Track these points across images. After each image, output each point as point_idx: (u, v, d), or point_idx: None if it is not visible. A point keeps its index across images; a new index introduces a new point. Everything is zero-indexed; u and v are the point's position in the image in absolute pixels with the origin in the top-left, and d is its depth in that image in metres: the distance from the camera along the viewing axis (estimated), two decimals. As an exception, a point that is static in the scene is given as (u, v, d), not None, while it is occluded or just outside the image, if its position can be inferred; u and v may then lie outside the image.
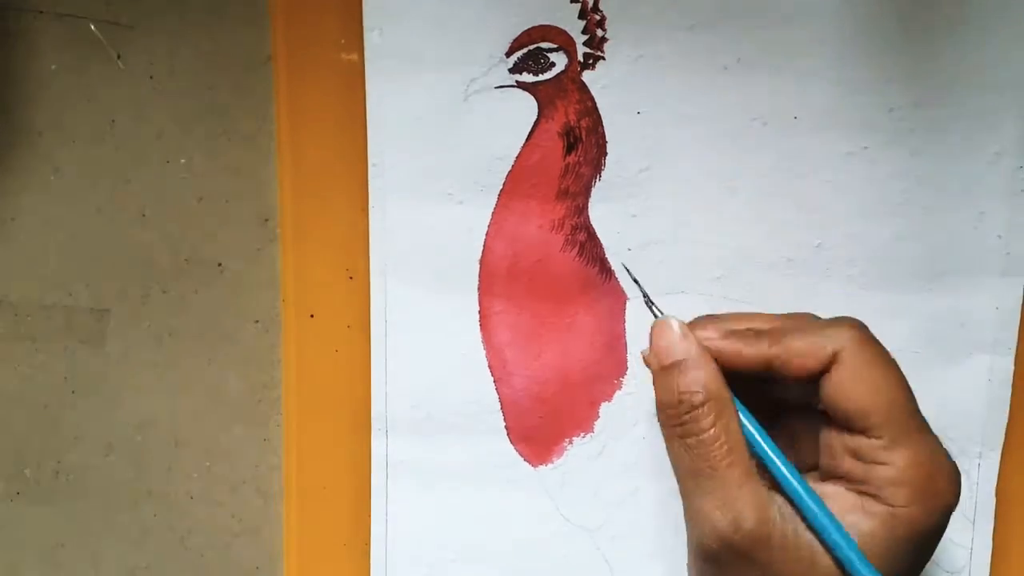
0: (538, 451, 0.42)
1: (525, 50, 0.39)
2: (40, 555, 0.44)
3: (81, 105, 0.41)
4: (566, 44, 0.39)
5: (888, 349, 0.34)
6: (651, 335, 0.35)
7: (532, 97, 0.40)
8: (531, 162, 0.40)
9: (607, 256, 0.41)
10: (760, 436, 0.33)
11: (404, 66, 0.39)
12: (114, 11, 0.40)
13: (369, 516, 0.42)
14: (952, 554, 0.42)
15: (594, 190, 0.40)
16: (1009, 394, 0.41)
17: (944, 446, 0.33)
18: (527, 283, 0.41)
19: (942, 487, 0.32)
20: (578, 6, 0.39)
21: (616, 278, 0.41)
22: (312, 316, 0.41)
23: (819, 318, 0.35)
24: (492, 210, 0.40)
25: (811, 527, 0.32)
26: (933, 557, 0.41)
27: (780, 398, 0.35)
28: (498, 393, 0.42)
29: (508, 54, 0.39)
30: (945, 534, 0.41)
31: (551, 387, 0.41)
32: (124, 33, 0.40)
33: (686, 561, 0.35)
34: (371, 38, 0.39)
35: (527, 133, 0.40)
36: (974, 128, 0.39)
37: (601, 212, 0.40)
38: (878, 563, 0.31)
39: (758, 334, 0.34)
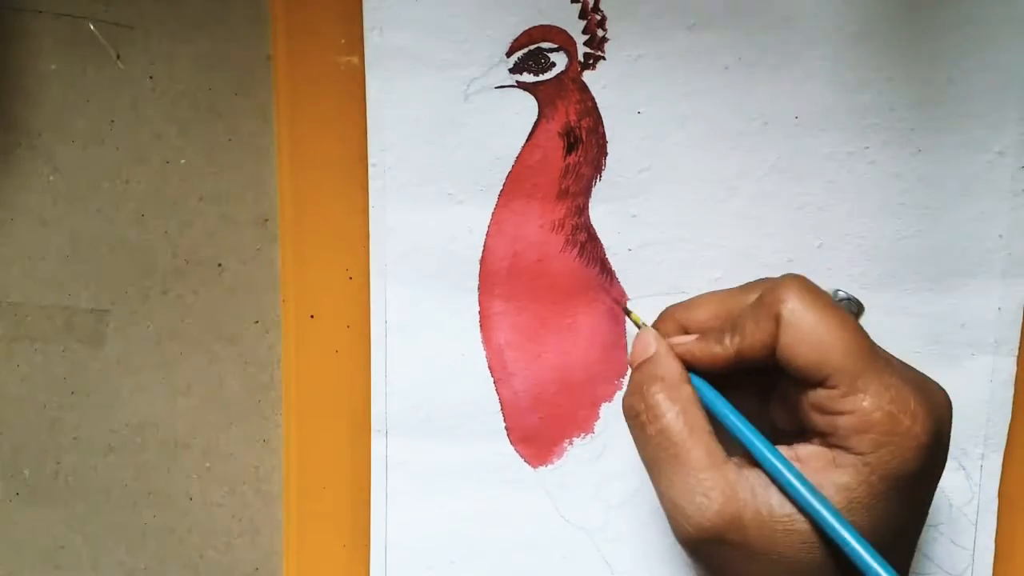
0: (538, 452, 0.42)
1: (525, 50, 0.39)
2: (40, 555, 0.44)
3: (81, 105, 0.41)
4: (566, 44, 0.39)
5: (886, 347, 0.33)
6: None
7: (532, 97, 0.40)
8: (531, 162, 0.40)
9: (607, 256, 0.41)
10: (727, 411, 0.34)
11: (404, 66, 0.39)
12: (114, 11, 0.40)
13: (369, 516, 0.42)
14: (955, 556, 0.42)
15: (594, 190, 0.40)
16: (1012, 395, 0.41)
17: (919, 373, 0.33)
18: (527, 283, 0.41)
19: (907, 426, 0.30)
20: (578, 6, 0.39)
21: (616, 278, 0.41)
22: (312, 316, 0.41)
23: (770, 279, 0.35)
24: (492, 210, 0.40)
25: (785, 494, 0.31)
26: (934, 558, 0.41)
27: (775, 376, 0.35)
28: (498, 394, 0.42)
29: (508, 54, 0.39)
30: (947, 535, 0.41)
31: (551, 388, 0.41)
32: (124, 33, 0.40)
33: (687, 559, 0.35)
34: (371, 38, 0.39)
35: (527, 133, 0.40)
36: (974, 128, 0.39)
37: (601, 212, 0.40)
38: (860, 516, 0.30)
39: (720, 330, 0.34)
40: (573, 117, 0.40)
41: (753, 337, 0.33)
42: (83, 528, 0.44)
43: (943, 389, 0.33)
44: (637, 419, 0.34)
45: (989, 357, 0.41)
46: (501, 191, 0.40)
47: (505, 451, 0.42)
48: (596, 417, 0.42)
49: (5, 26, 0.40)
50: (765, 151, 0.39)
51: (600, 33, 0.39)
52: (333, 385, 0.42)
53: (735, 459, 0.33)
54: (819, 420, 0.32)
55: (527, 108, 0.40)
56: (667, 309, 0.37)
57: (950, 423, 0.33)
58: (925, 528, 0.41)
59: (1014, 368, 0.41)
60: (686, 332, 0.36)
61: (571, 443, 0.42)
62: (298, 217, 0.41)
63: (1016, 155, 0.39)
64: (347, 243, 0.41)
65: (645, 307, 0.39)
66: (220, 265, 0.42)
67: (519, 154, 0.40)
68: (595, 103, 0.40)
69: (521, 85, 0.39)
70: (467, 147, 0.40)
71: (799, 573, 0.31)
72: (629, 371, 0.41)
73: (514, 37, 0.39)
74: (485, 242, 0.41)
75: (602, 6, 0.39)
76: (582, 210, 0.40)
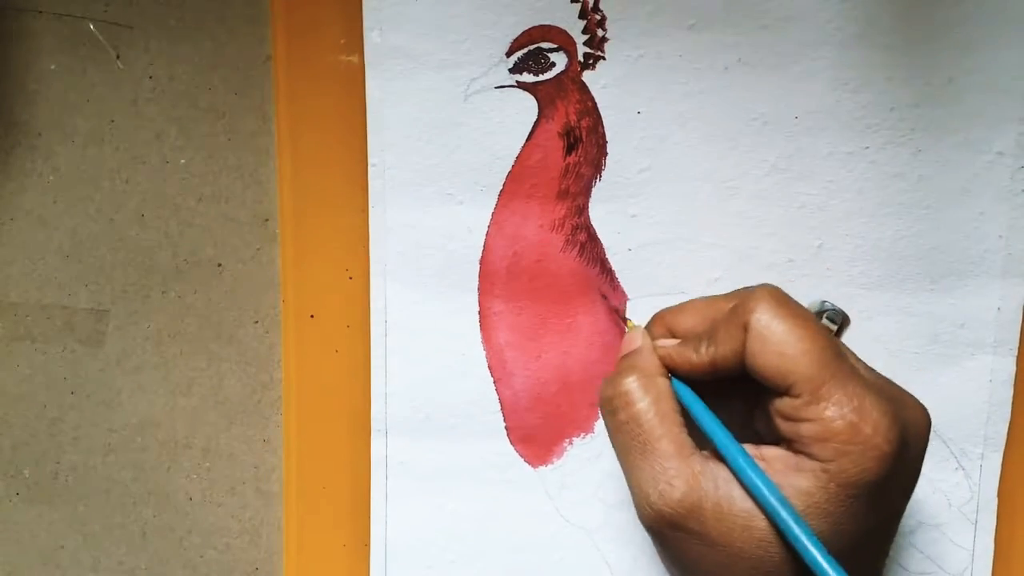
0: (538, 452, 0.42)
1: (525, 50, 0.39)
2: (40, 555, 0.44)
3: (81, 105, 0.41)
4: (566, 44, 0.39)
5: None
6: None
7: (532, 97, 0.40)
8: (531, 162, 0.40)
9: (607, 256, 0.41)
10: (697, 406, 0.34)
11: (404, 66, 0.39)
12: (113, 11, 0.40)
13: (369, 516, 0.42)
14: (954, 556, 0.42)
15: (594, 190, 0.40)
16: (1011, 395, 0.41)
17: (896, 387, 0.33)
18: (527, 283, 0.41)
19: (867, 435, 0.30)
20: (578, 6, 0.39)
21: (616, 278, 0.41)
22: (312, 316, 0.41)
23: (747, 289, 0.35)
24: (492, 210, 0.40)
25: (746, 491, 0.32)
26: (934, 558, 0.41)
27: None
28: (498, 393, 0.42)
29: (508, 54, 0.39)
30: (946, 535, 0.41)
31: (551, 387, 0.41)
32: (124, 33, 0.40)
33: None
34: (371, 38, 0.39)
35: (527, 133, 0.40)
36: (974, 128, 0.39)
37: (601, 212, 0.40)
38: (818, 520, 0.31)
39: (698, 338, 0.35)
40: (573, 117, 0.40)
41: (725, 346, 0.33)
42: (83, 528, 0.44)
43: (921, 404, 0.33)
44: (610, 405, 0.35)
45: (988, 357, 0.41)
46: (501, 191, 0.40)
47: (505, 451, 0.42)
48: (596, 417, 0.42)
49: (5, 26, 0.40)
50: (765, 151, 0.39)
51: (600, 33, 0.39)
52: (333, 385, 0.42)
53: (704, 452, 0.33)
54: (785, 427, 0.32)
55: (527, 108, 0.40)
56: (658, 312, 0.37)
57: (924, 438, 0.33)
58: (925, 528, 0.42)
59: (1013, 368, 0.41)
60: (673, 336, 0.36)
61: (571, 443, 0.42)
62: (298, 217, 0.41)
63: (1016, 155, 0.39)
64: (347, 243, 0.41)
65: (645, 307, 0.39)
66: (220, 265, 0.42)
67: (519, 154, 0.40)
68: (595, 103, 0.40)
69: (521, 85, 0.39)
70: (467, 147, 0.40)
71: (756, 571, 0.31)
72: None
73: (514, 37, 0.39)
74: (485, 242, 0.41)
75: (602, 6, 0.39)
76: (582, 210, 0.40)
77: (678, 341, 0.36)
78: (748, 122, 0.39)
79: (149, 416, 0.43)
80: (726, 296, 0.35)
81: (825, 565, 0.30)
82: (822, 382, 0.31)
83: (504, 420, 0.42)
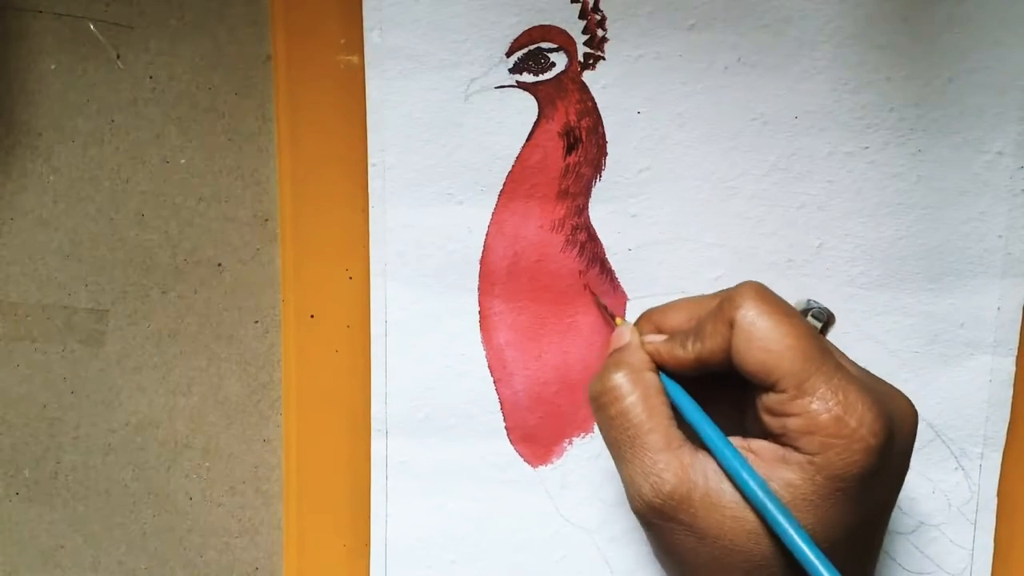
0: (538, 451, 0.42)
1: (525, 50, 0.39)
2: (40, 555, 0.44)
3: (81, 105, 0.41)
4: (566, 44, 0.39)
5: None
6: None
7: (532, 97, 0.40)
8: (531, 162, 0.40)
9: (607, 256, 0.41)
10: (684, 400, 0.34)
11: (404, 66, 0.39)
12: (114, 11, 0.40)
13: (369, 516, 0.42)
14: (953, 556, 0.42)
15: (594, 190, 0.40)
16: (1011, 395, 0.41)
17: (884, 383, 0.34)
18: (527, 283, 0.41)
19: (852, 428, 0.31)
20: (578, 6, 0.39)
21: (616, 278, 0.41)
22: (312, 316, 0.41)
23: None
24: (492, 210, 0.40)
25: (734, 484, 0.32)
26: (934, 558, 0.41)
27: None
28: (498, 393, 0.42)
29: (508, 54, 0.39)
30: (946, 535, 0.41)
31: (551, 387, 0.41)
32: (124, 33, 0.40)
33: None
34: (371, 38, 0.39)
35: (527, 133, 0.40)
36: (974, 128, 0.39)
37: (601, 212, 0.40)
38: (805, 512, 0.31)
39: (685, 334, 0.35)
40: (573, 117, 0.40)
41: (711, 342, 0.34)
42: (83, 528, 0.44)
43: (907, 399, 0.34)
44: (599, 400, 0.35)
45: (988, 357, 0.41)
46: (501, 191, 0.40)
47: (505, 451, 0.42)
48: (596, 417, 0.42)
49: (5, 26, 0.40)
50: (765, 151, 0.39)
51: (600, 33, 0.39)
52: (333, 385, 0.42)
53: (694, 445, 0.34)
54: (771, 422, 0.32)
55: (527, 108, 0.40)
56: (646, 311, 0.38)
57: (912, 432, 0.33)
58: (925, 528, 0.42)
59: (1013, 368, 0.41)
60: (661, 333, 0.37)
61: (571, 443, 0.42)
62: (298, 217, 0.41)
63: (1016, 155, 0.39)
64: (347, 243, 0.41)
65: (645, 307, 0.39)
66: (220, 265, 0.42)
67: (519, 154, 0.40)
68: (595, 103, 0.40)
69: (521, 85, 0.39)
70: (467, 147, 0.40)
71: (747, 563, 0.32)
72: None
73: (514, 37, 0.39)
74: (485, 242, 0.41)
75: (602, 6, 0.39)
76: (582, 210, 0.40)
77: (664, 338, 0.36)
78: (748, 122, 0.39)
79: (149, 416, 0.43)
80: (715, 294, 0.36)
81: (811, 555, 0.30)
82: (807, 376, 0.31)
83: (504, 420, 0.42)
